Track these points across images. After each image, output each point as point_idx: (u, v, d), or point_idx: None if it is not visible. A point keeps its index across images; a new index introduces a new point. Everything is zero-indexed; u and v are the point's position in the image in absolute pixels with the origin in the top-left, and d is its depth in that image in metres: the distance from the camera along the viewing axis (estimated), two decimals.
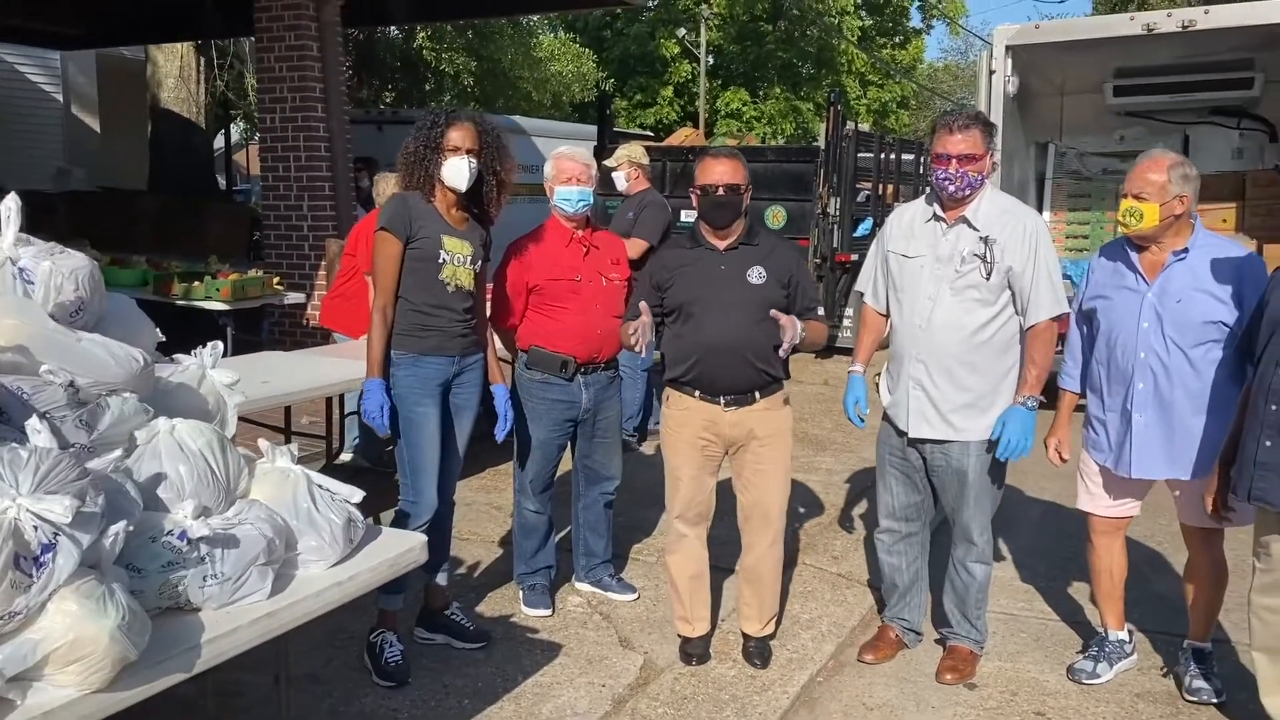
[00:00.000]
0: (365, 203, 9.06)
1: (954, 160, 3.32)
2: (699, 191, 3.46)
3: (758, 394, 3.49)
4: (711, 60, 27.73)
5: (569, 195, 3.83)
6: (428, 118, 3.44)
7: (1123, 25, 7.72)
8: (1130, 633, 3.69)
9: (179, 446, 2.14)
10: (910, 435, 3.55)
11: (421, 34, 16.15)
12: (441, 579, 3.74)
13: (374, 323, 3.37)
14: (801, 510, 5.41)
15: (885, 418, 3.68)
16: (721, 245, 3.47)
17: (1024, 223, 3.40)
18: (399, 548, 2.45)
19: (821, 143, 10.04)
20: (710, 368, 3.44)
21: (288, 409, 4.99)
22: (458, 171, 3.37)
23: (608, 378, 3.97)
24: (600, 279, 3.89)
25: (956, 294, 3.41)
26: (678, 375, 3.51)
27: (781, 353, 3.37)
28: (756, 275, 3.43)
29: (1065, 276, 7.51)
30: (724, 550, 3.98)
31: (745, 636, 3.77)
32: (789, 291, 3.48)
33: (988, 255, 3.36)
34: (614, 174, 6.22)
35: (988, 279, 3.36)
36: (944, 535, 3.79)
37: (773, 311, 3.33)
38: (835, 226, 9.70)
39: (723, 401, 3.47)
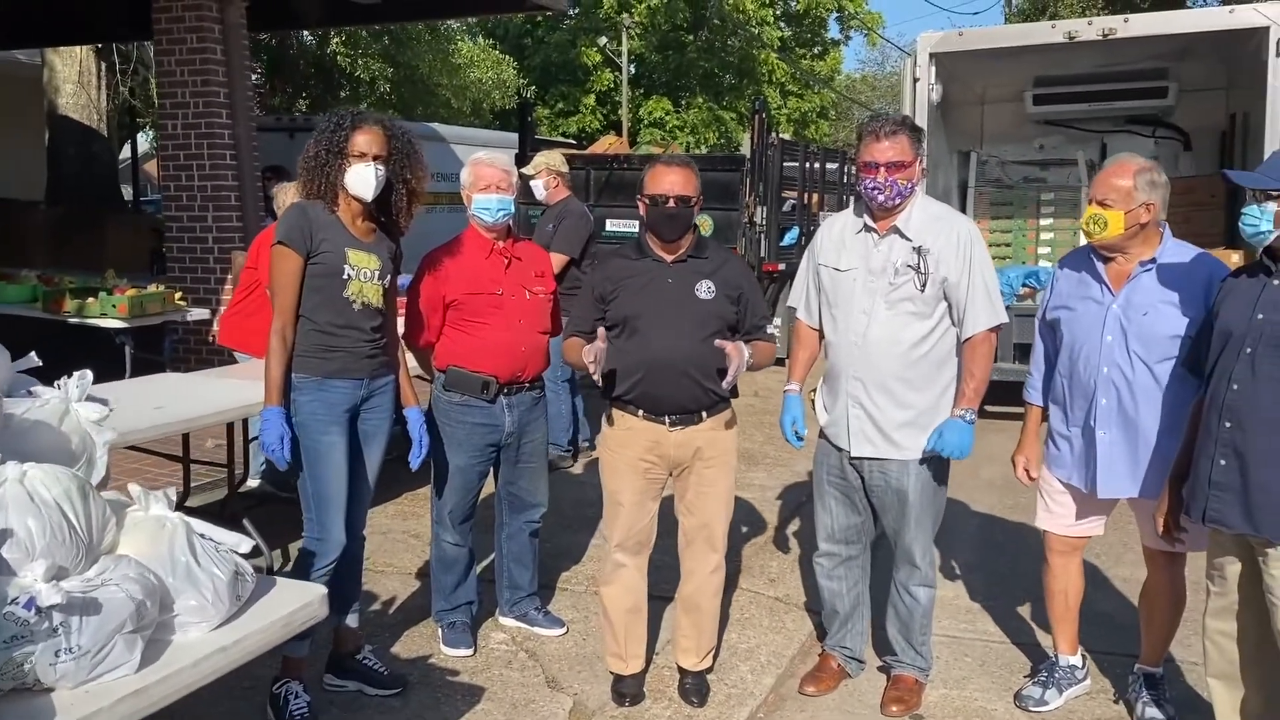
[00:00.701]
0: (275, 213, 8.72)
1: (882, 168, 3.17)
2: (648, 201, 3.24)
3: (704, 413, 3.29)
4: (634, 69, 27.62)
5: (488, 204, 3.58)
6: (331, 120, 3.17)
7: (1045, 33, 7.76)
8: (1084, 657, 3.56)
9: (29, 497, 1.83)
10: (852, 454, 3.38)
11: (335, 39, 15.68)
12: (352, 620, 3.45)
13: (272, 346, 3.08)
14: (735, 529, 5.20)
15: (823, 435, 3.51)
16: (669, 258, 3.28)
17: (957, 231, 3.25)
18: (295, 603, 2.17)
19: (747, 151, 9.92)
20: (655, 385, 3.23)
21: (185, 436, 4.63)
22: (364, 179, 3.11)
23: (532, 398, 3.73)
24: (523, 292, 3.65)
25: (891, 307, 3.25)
26: (621, 393, 3.29)
27: (725, 384, 3.20)
28: (705, 290, 3.24)
29: (1031, 280, 7.76)
30: (660, 576, 3.75)
31: (682, 671, 3.55)
32: (738, 308, 3.31)
33: (921, 266, 3.21)
34: (532, 182, 5.98)
35: (922, 291, 3.21)
36: (885, 556, 3.61)
37: (717, 342, 3.14)
38: (762, 236, 9.58)
39: (668, 421, 3.27)
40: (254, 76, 18.60)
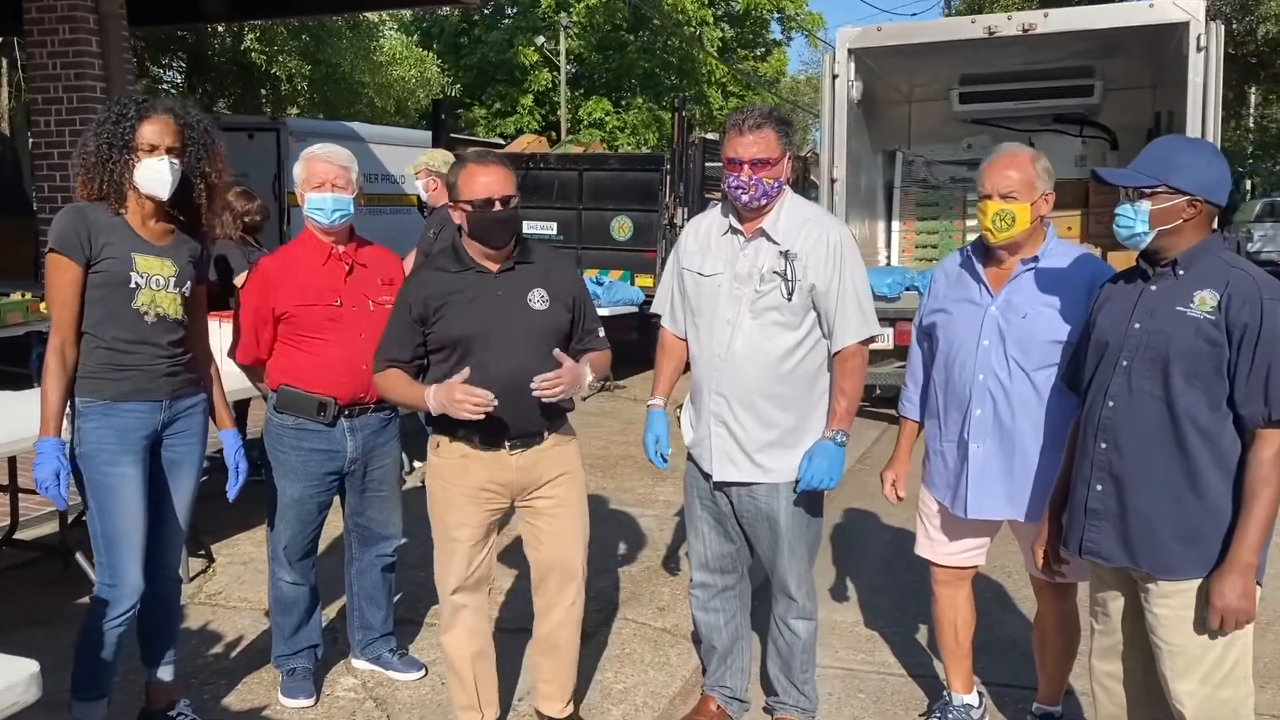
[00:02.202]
0: None
1: (746, 165, 2.86)
2: (467, 207, 2.83)
3: (546, 431, 2.97)
4: (573, 69, 27.26)
5: (321, 204, 3.21)
6: (113, 110, 2.78)
7: (965, 28, 7.57)
8: (980, 695, 3.27)
9: None
10: (715, 479, 3.07)
11: (250, 35, 15.11)
12: (165, 674, 3.07)
13: (49, 366, 2.69)
14: (625, 552, 4.88)
15: (690, 456, 3.20)
16: (495, 267, 2.91)
17: (827, 234, 2.96)
18: None
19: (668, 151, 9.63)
20: (499, 413, 2.78)
21: (12, 461, 4.19)
22: (157, 176, 2.73)
23: (380, 420, 3.36)
24: (366, 303, 3.28)
25: (757, 316, 2.95)
26: (453, 423, 2.83)
27: (545, 397, 2.76)
28: (539, 299, 2.91)
29: (912, 288, 7.53)
30: (512, 606, 3.39)
31: (544, 719, 3.21)
32: (572, 314, 3.00)
33: (789, 272, 2.91)
34: (416, 182, 5.62)
35: (789, 299, 2.91)
36: (767, 586, 3.31)
37: (556, 351, 2.81)
38: None
39: (508, 446, 2.92)
40: (175, 75, 18.06)
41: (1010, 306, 2.84)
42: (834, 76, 7.61)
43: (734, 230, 3.01)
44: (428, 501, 3.02)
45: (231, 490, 3.03)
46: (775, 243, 2.94)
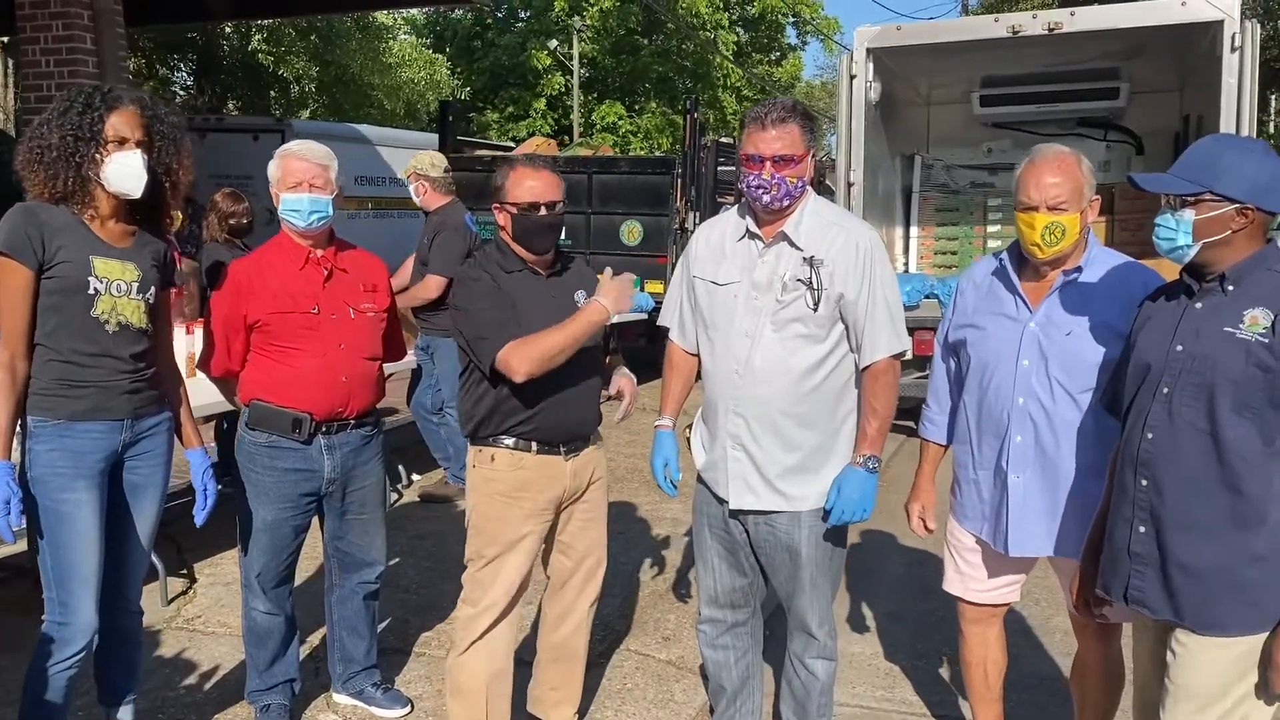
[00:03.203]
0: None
1: (768, 163, 2.62)
2: (514, 209, 2.85)
3: (593, 434, 3.04)
4: (586, 73, 27.07)
5: (297, 205, 2.98)
6: (76, 98, 2.57)
7: (987, 27, 7.29)
8: None
9: None
10: (731, 506, 2.82)
11: (257, 36, 14.93)
12: (125, 715, 2.83)
13: None
14: (629, 575, 4.62)
15: (701, 480, 2.95)
16: (544, 271, 2.96)
17: (856, 240, 2.70)
18: None
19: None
20: (560, 411, 2.89)
21: None
22: (128, 170, 2.51)
23: (361, 437, 3.12)
24: (347, 311, 3.05)
25: (779, 329, 2.70)
26: (512, 425, 2.87)
27: (618, 419, 3.02)
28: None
29: (931, 296, 7.25)
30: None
31: None
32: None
33: (814, 280, 2.65)
34: (409, 186, 5.39)
35: (815, 309, 2.66)
36: (782, 621, 3.05)
37: (608, 390, 2.98)
38: None
39: (563, 450, 2.93)
40: (185, 77, 17.93)
41: (1051, 323, 2.57)
42: (851, 77, 7.36)
43: (751, 235, 2.77)
44: (472, 516, 2.95)
45: (199, 515, 2.79)
46: (798, 248, 2.69)
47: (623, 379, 3.03)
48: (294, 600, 3.21)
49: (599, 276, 2.98)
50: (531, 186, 2.83)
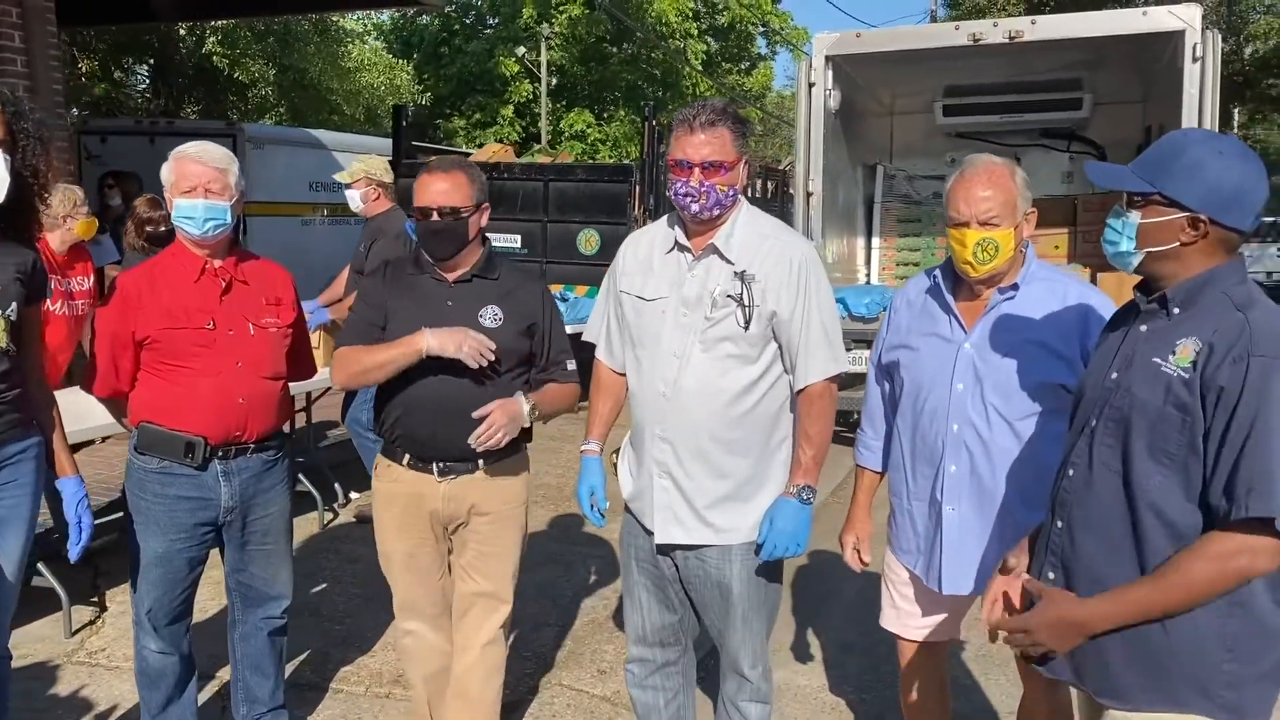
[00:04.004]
0: (118, 223, 7.94)
1: (696, 169, 2.44)
2: (417, 214, 2.77)
3: (481, 461, 2.80)
4: (555, 80, 26.87)
5: (191, 211, 2.74)
6: None
7: (949, 35, 7.16)
8: None
9: None
10: (658, 540, 2.62)
11: (211, 39, 14.59)
12: None
13: None
14: (568, 602, 4.40)
15: (628, 510, 2.75)
16: (451, 276, 2.80)
17: (789, 254, 2.52)
18: None
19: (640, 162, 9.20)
20: (424, 425, 2.76)
21: None
22: None
23: (263, 463, 2.89)
24: (246, 326, 2.82)
25: (708, 348, 2.51)
26: (386, 433, 2.85)
27: (475, 445, 2.67)
28: (491, 317, 2.77)
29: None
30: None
31: None
32: (532, 340, 2.84)
33: (745, 296, 2.47)
34: (347, 192, 5.15)
35: (746, 328, 2.48)
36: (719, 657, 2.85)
37: (475, 412, 2.64)
38: None
39: (436, 470, 2.79)
40: (140, 80, 17.53)
41: (987, 344, 2.39)
42: (810, 85, 7.21)
43: (681, 247, 2.58)
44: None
45: (73, 550, 2.56)
46: (729, 262, 2.51)
47: (499, 404, 2.65)
48: (192, 638, 2.97)
49: (547, 292, 2.92)
50: (427, 190, 2.72)
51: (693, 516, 2.58)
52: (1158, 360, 1.76)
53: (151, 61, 16.58)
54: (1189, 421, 1.69)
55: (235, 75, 15.06)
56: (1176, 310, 1.79)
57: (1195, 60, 6.16)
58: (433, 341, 2.63)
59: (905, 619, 2.67)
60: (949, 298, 2.45)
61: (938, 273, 2.51)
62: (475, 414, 2.64)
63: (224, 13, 10.25)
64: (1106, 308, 2.27)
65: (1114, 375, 1.85)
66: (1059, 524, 1.91)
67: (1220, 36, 6.45)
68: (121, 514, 2.78)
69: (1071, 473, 1.89)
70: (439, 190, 2.71)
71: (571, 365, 2.94)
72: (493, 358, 2.65)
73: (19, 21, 6.51)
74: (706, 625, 2.72)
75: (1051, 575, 1.91)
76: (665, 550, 2.66)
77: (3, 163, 2.31)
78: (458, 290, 2.78)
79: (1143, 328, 1.84)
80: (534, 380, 2.88)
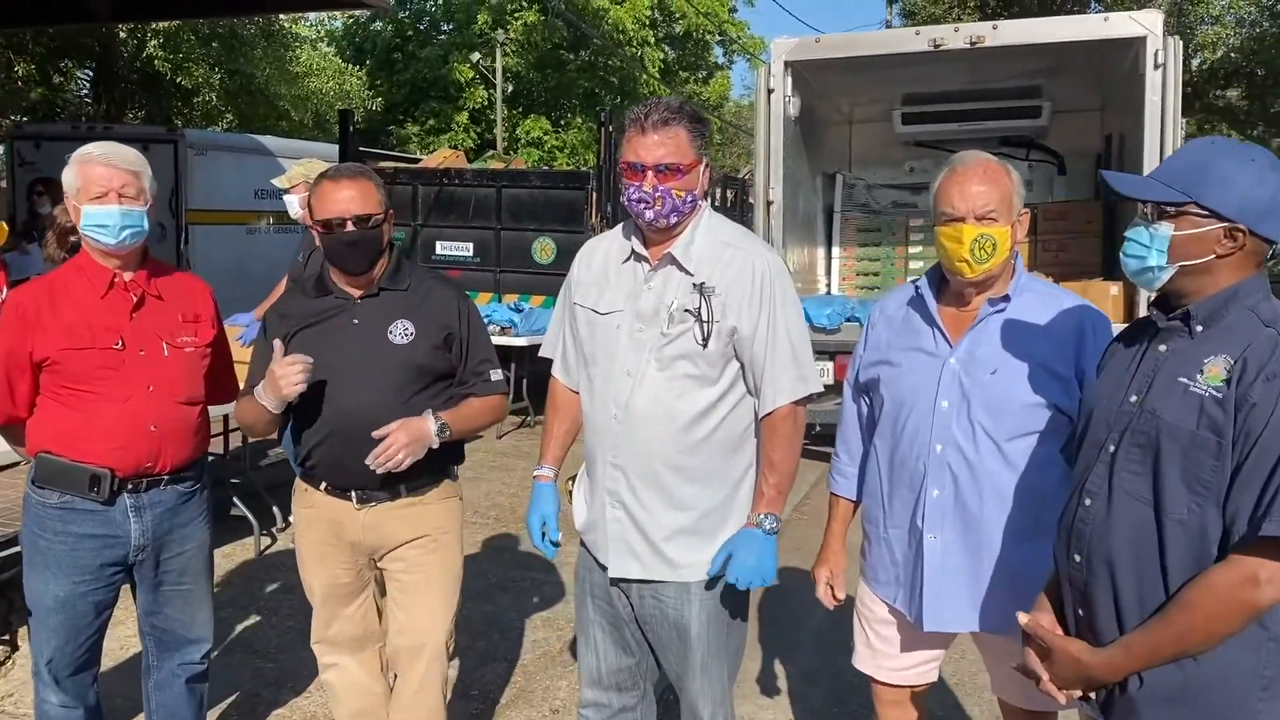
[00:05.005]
0: (44, 233, 7.60)
1: (650, 172, 2.25)
2: (320, 227, 2.55)
3: (403, 488, 2.61)
4: (511, 87, 26.62)
5: (106, 219, 2.50)
6: None
7: (909, 40, 7.05)
8: None
9: None
10: (612, 574, 2.41)
11: (153, 42, 14.15)
12: None
13: None
14: (519, 633, 4.16)
15: (582, 543, 2.53)
16: (357, 293, 2.61)
17: (753, 263, 2.32)
18: None
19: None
20: (339, 452, 2.57)
21: None
22: None
23: (179, 495, 2.63)
24: (159, 346, 2.57)
25: (664, 367, 2.31)
26: (302, 460, 2.68)
27: (374, 467, 2.45)
28: (401, 332, 2.57)
29: (853, 319, 6.95)
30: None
31: None
32: (450, 352, 2.63)
33: (704, 311, 2.27)
34: (286, 198, 4.89)
35: (705, 345, 2.28)
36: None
37: (374, 432, 2.43)
38: None
39: (354, 498, 2.61)
40: (79, 84, 17.03)
41: (975, 359, 2.21)
42: (769, 91, 7.06)
43: (637, 256, 2.37)
44: None
45: None
46: (688, 273, 2.30)
47: (400, 423, 2.46)
48: (99, 688, 2.70)
49: (464, 297, 2.70)
50: (332, 200, 2.51)
51: (649, 550, 2.37)
52: (1185, 380, 1.63)
53: (93, 65, 16.10)
54: (1224, 445, 1.57)
55: (179, 80, 14.63)
56: (1200, 328, 1.66)
57: (1157, 67, 6.09)
58: (268, 400, 2.46)
59: (881, 659, 2.47)
60: (933, 309, 2.27)
61: (923, 282, 2.32)
62: (375, 434, 2.43)
63: (164, 14, 9.88)
64: (1104, 324, 2.11)
65: (1133, 398, 1.70)
66: (1076, 558, 1.76)
67: (1182, 44, 6.40)
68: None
69: (1089, 502, 1.74)
70: (347, 198, 2.51)
71: (496, 375, 2.72)
72: (307, 372, 2.41)
73: None
74: (665, 669, 2.51)
75: (1080, 612, 1.77)
76: (620, 586, 2.44)
77: None
78: (364, 306, 2.59)
79: (1162, 347, 1.71)
80: (454, 394, 2.65)
